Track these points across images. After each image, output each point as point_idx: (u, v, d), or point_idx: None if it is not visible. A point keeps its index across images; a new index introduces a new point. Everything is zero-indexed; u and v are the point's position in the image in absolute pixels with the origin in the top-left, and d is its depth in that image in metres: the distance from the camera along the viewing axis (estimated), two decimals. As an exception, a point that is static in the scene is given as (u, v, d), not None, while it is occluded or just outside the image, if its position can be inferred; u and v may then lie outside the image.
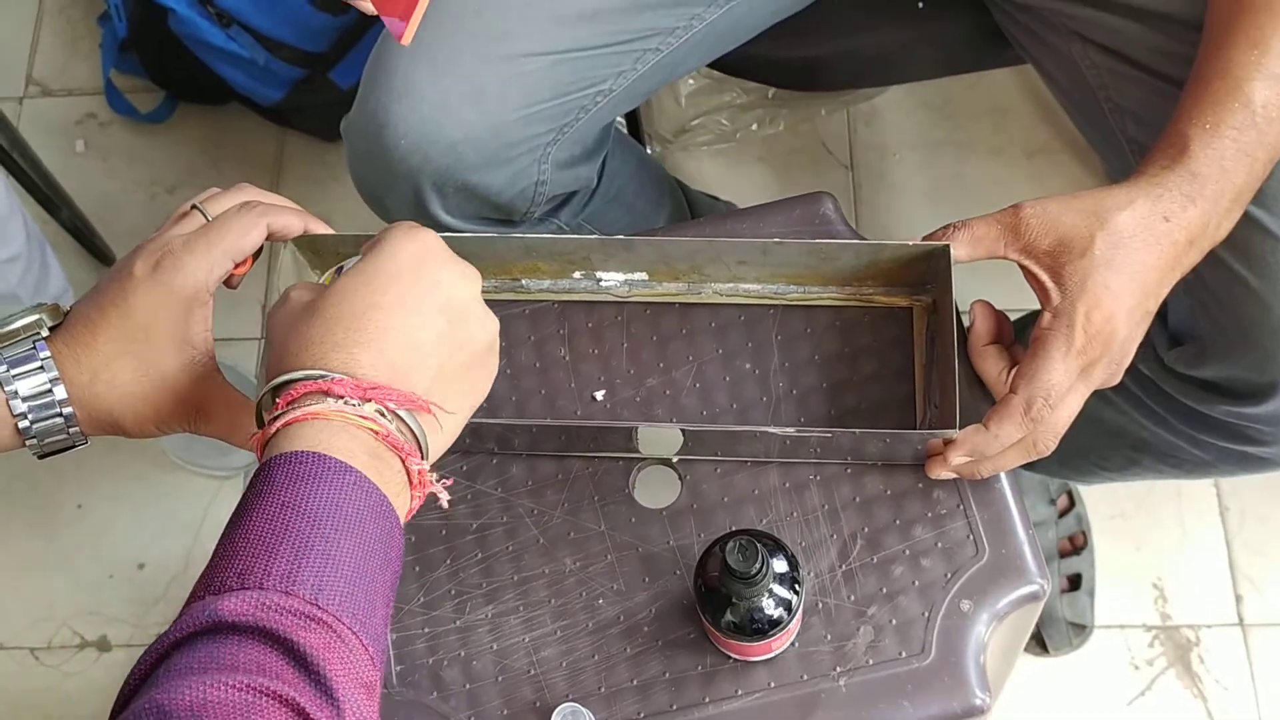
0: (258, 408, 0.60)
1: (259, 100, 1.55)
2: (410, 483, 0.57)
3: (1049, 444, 0.70)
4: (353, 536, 0.53)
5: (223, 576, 0.51)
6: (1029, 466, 1.19)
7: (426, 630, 0.75)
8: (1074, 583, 1.33)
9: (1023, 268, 0.72)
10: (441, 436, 0.59)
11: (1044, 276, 0.70)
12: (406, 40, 0.72)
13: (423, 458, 0.58)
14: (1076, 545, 1.35)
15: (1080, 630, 1.32)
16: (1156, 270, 0.70)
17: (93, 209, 1.57)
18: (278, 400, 0.57)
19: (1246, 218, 0.75)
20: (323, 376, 0.56)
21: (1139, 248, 0.69)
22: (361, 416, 0.55)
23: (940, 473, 0.74)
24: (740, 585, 0.62)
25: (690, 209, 1.32)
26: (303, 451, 0.54)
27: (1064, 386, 0.68)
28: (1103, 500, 1.37)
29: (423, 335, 0.58)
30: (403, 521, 0.56)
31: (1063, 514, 1.34)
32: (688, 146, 1.51)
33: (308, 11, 1.48)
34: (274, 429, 0.56)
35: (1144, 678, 1.33)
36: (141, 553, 1.47)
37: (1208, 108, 0.70)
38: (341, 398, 0.55)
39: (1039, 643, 1.31)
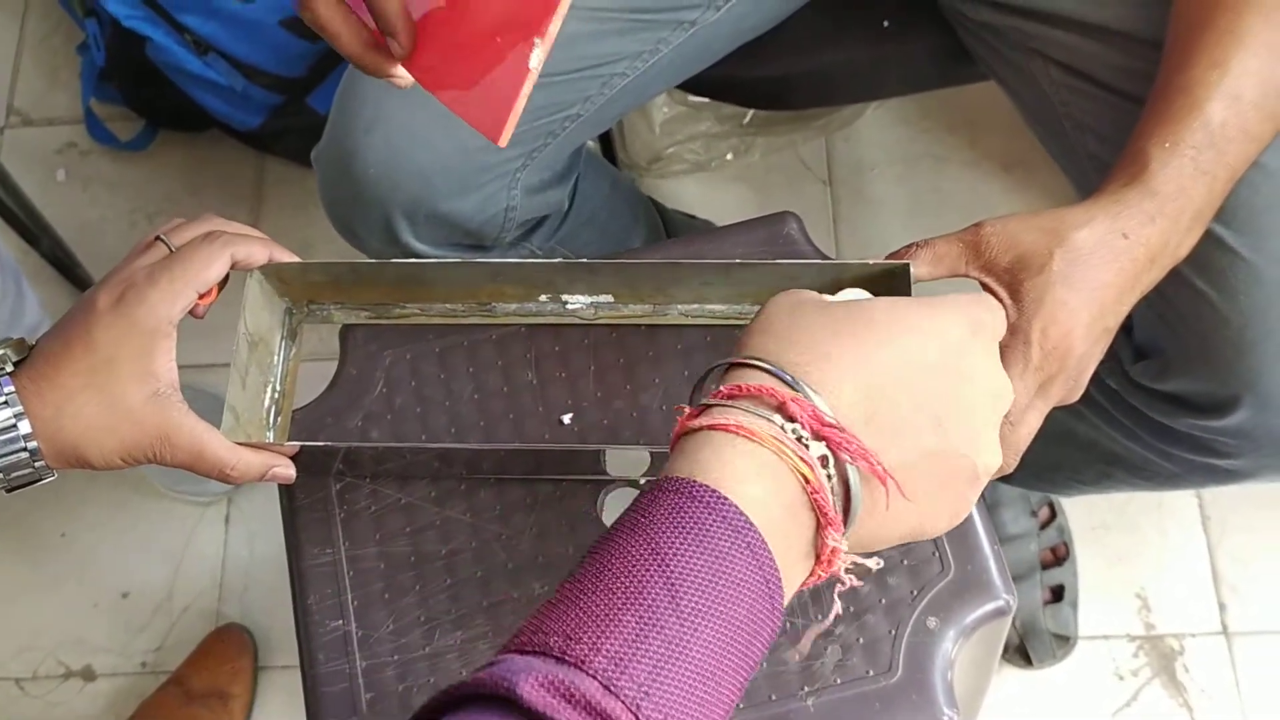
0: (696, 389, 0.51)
1: (237, 126, 1.56)
2: (817, 557, 0.48)
3: (1010, 462, 0.71)
4: (717, 621, 0.43)
5: (552, 627, 0.44)
6: (1005, 480, 1.20)
7: (396, 658, 0.75)
8: (1057, 594, 1.33)
9: (983, 285, 0.72)
10: (875, 523, 0.49)
11: (1002, 294, 0.70)
12: (504, 141, 0.64)
13: (844, 532, 0.47)
14: (1059, 556, 1.35)
15: (1064, 642, 1.32)
16: (1114, 288, 0.70)
17: (74, 237, 1.57)
18: (720, 387, 0.48)
19: (1206, 233, 0.75)
20: (789, 383, 0.47)
21: (1097, 265, 0.69)
22: (801, 458, 0.46)
23: None
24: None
25: (666, 229, 1.33)
26: (703, 487, 0.45)
27: (1021, 404, 0.68)
28: (1085, 511, 1.37)
29: (928, 408, 0.49)
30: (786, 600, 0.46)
31: (1044, 526, 1.35)
32: (663, 175, 1.52)
33: (284, 37, 1.48)
34: (693, 425, 0.47)
35: (1129, 688, 1.33)
36: (125, 581, 1.47)
37: (1167, 126, 0.71)
38: (793, 420, 0.46)
39: (1022, 655, 1.31)
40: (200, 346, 1.56)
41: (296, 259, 0.77)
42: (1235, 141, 0.71)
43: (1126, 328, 0.88)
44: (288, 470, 0.74)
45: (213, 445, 0.70)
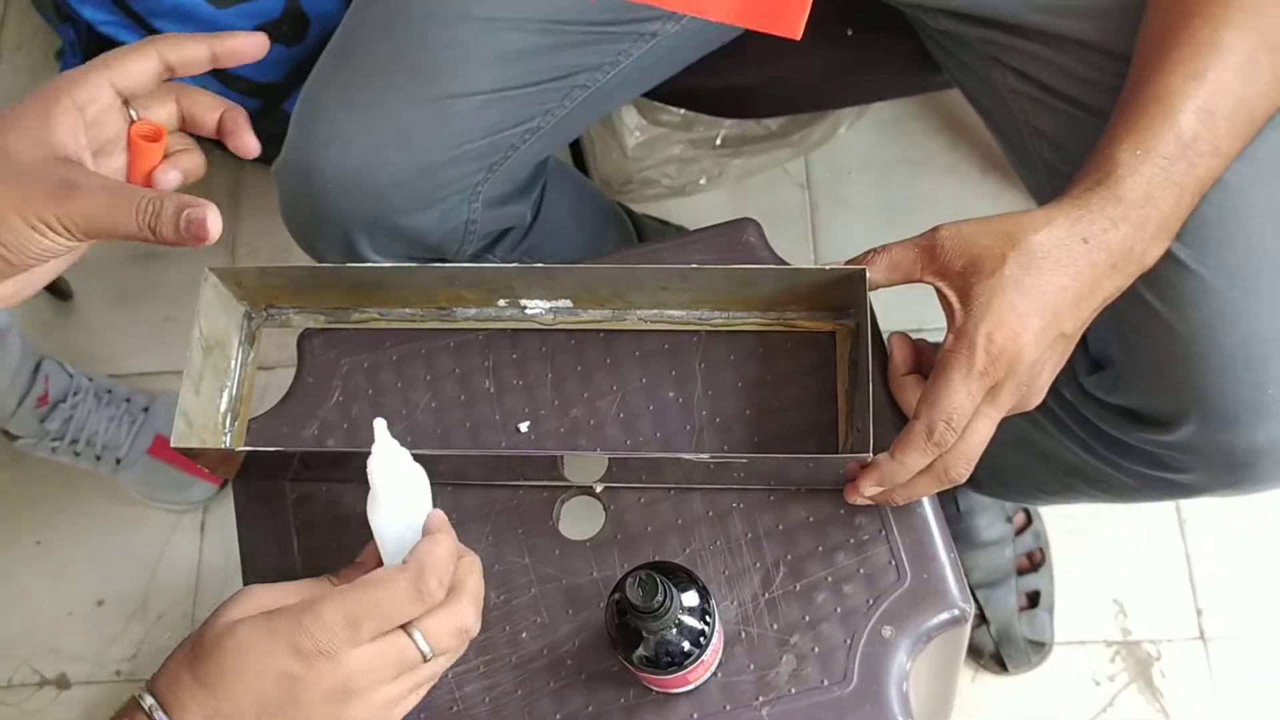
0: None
1: (213, 132, 1.55)
2: None
3: (961, 471, 0.70)
4: None
5: None
6: (976, 489, 1.20)
7: (348, 667, 0.74)
8: (1033, 600, 1.33)
9: (937, 290, 0.72)
10: None
11: (953, 298, 0.69)
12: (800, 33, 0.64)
13: None
14: (1035, 562, 1.34)
15: (1039, 648, 1.31)
16: (1071, 292, 0.69)
17: (49, 244, 1.57)
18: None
19: None
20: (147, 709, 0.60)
21: (1052, 269, 0.69)
22: None
23: (856, 499, 0.73)
24: (645, 620, 0.62)
25: (640, 236, 1.32)
26: None
27: (966, 410, 0.68)
28: (1061, 516, 1.37)
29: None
30: None
31: (1020, 531, 1.34)
32: (638, 199, 1.51)
33: (260, 43, 1.48)
34: None
35: (1105, 694, 1.32)
36: (100, 589, 1.47)
37: (1139, 134, 0.70)
38: None
39: (998, 662, 1.31)
40: (161, 355, 1.55)
41: (251, 55, 0.68)
42: (1206, 155, 0.70)
43: (1083, 338, 0.87)
44: (201, 210, 0.63)
45: (128, 189, 0.63)
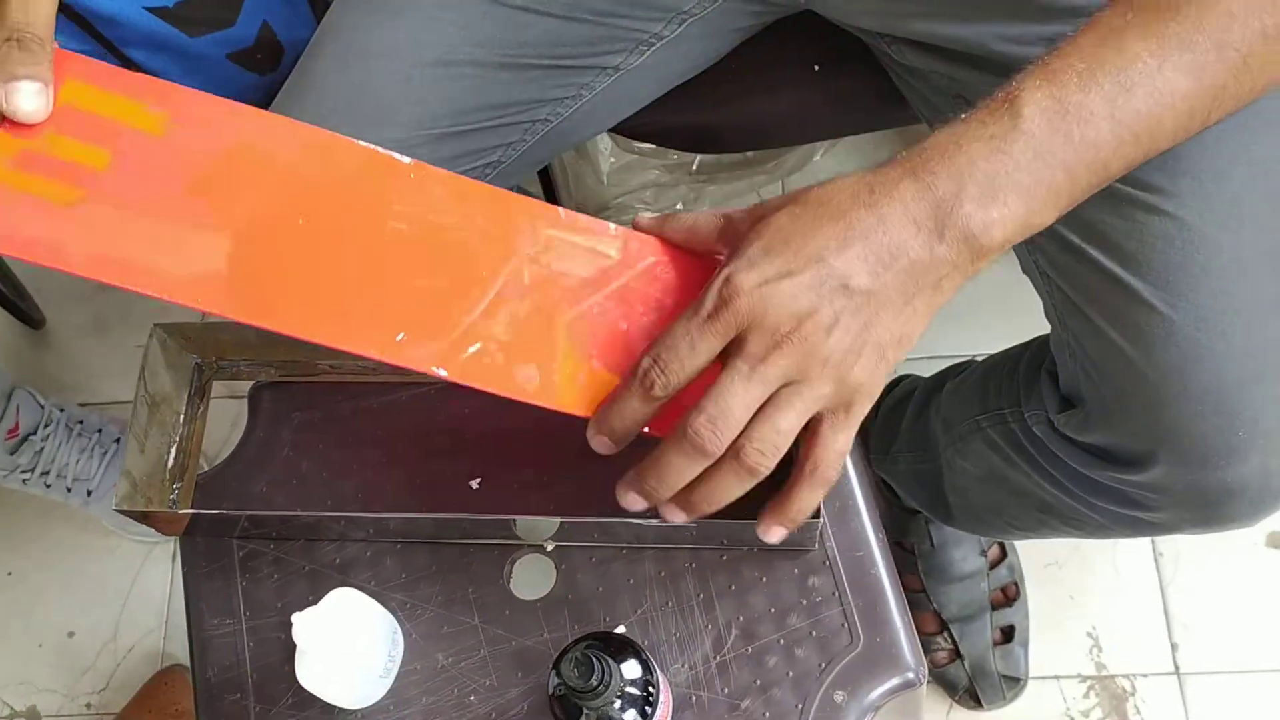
0: None
1: (187, 159, 1.54)
2: None
3: (707, 442, 0.58)
4: None
5: None
6: (948, 522, 1.19)
7: (294, 732, 0.74)
8: (1007, 635, 1.32)
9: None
10: None
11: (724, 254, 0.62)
12: None
13: None
14: (1009, 596, 1.33)
15: (1014, 683, 1.30)
16: (844, 237, 0.58)
17: (22, 268, 1.56)
18: None
19: (1122, 286, 0.73)
20: None
21: (828, 215, 0.58)
22: None
23: (630, 503, 0.63)
24: (583, 698, 0.61)
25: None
26: None
27: (682, 354, 0.58)
28: (1036, 549, 1.36)
29: None
30: None
31: (994, 565, 1.33)
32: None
33: (233, 70, 1.47)
34: None
35: (1080, 729, 1.31)
36: (71, 620, 1.46)
37: (1039, 72, 0.61)
38: None
39: (972, 697, 1.30)
40: (135, 383, 1.54)
41: None
42: (1103, 121, 0.60)
43: (1053, 375, 0.86)
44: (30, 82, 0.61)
45: None
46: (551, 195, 1.38)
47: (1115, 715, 1.31)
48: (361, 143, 0.65)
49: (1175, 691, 1.31)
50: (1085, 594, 1.36)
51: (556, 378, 0.62)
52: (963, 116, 0.60)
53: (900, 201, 0.59)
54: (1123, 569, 1.37)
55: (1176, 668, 1.32)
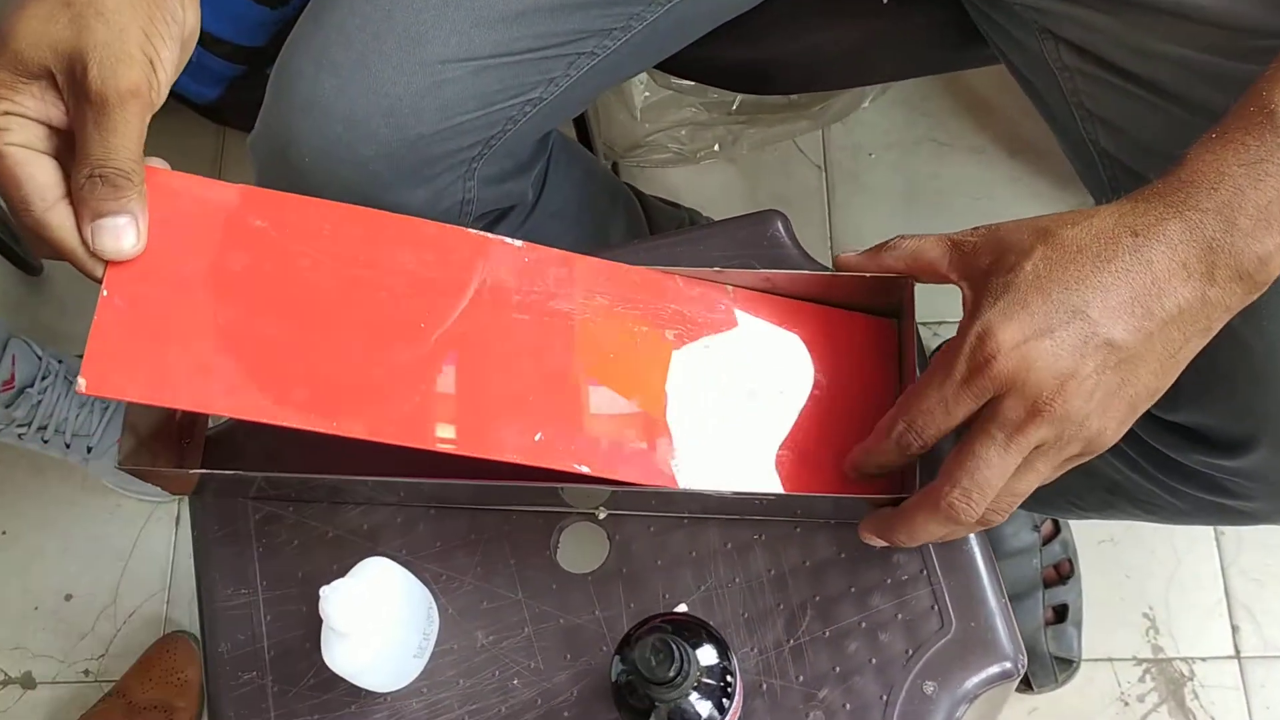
0: None
1: (194, 98, 1.46)
2: None
3: (960, 504, 0.57)
4: None
5: None
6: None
7: (317, 717, 0.66)
8: (1059, 614, 1.25)
9: (962, 293, 0.61)
10: None
11: (968, 297, 0.58)
12: None
13: None
14: (1062, 574, 1.26)
15: (1066, 665, 1.23)
16: (1115, 294, 0.56)
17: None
18: None
19: None
20: None
21: (1089, 264, 0.56)
22: None
23: (866, 537, 0.65)
24: (658, 689, 0.53)
25: (648, 218, 1.23)
26: None
27: (936, 417, 0.57)
28: (1090, 525, 1.29)
29: None
30: None
31: (1047, 541, 1.26)
32: (643, 164, 1.41)
33: (244, 5, 1.39)
34: None
35: (1135, 714, 1.24)
36: (70, 583, 1.39)
37: (1221, 120, 0.58)
38: None
39: (1023, 680, 1.23)
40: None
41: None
42: None
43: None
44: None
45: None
46: (583, 128, 1.29)
47: (1172, 700, 1.25)
48: (472, 230, 0.66)
49: (1235, 676, 1.25)
50: (1142, 573, 1.29)
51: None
52: (1215, 133, 0.57)
53: (1167, 244, 0.56)
54: (1181, 548, 1.29)
55: (1237, 651, 1.26)
